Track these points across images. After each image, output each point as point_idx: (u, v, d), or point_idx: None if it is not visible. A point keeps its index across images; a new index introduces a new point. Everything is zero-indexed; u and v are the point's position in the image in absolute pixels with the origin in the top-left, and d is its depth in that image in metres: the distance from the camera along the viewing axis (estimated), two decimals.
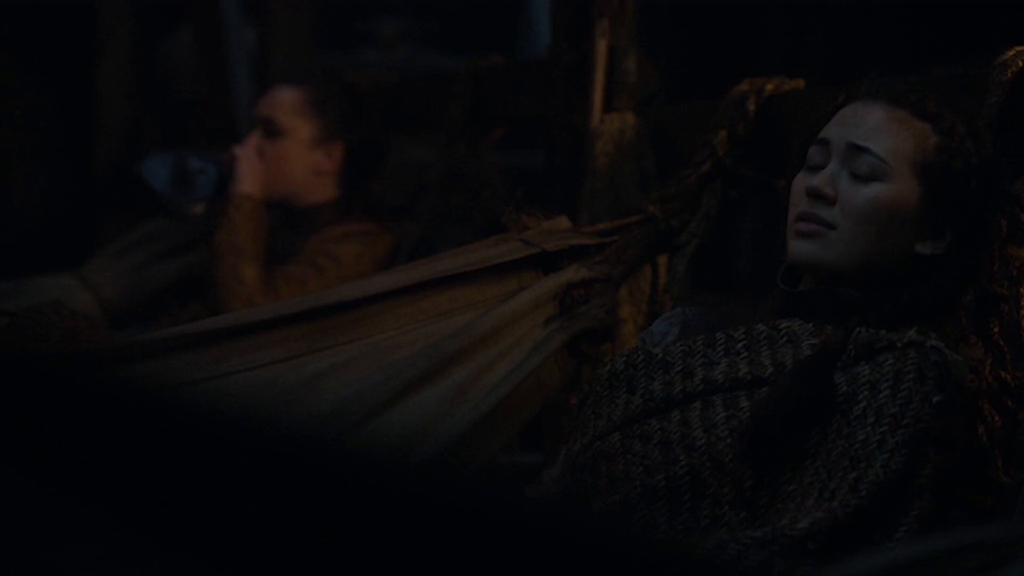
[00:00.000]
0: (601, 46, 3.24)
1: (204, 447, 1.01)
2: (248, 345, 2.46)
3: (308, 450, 0.99)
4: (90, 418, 1.06)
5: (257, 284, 3.41)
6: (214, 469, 1.00)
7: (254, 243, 3.44)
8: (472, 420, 2.51)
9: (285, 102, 3.57)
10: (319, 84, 3.61)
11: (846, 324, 2.15)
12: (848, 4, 3.79)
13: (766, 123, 2.84)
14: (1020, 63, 2.42)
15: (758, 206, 3.10)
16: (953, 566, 1.20)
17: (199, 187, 4.00)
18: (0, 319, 2.83)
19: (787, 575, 1.92)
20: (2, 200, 5.01)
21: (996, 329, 2.35)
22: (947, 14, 3.49)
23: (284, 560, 0.95)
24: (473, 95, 3.65)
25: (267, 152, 3.55)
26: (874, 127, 2.23)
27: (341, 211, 3.56)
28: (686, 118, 3.11)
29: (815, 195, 2.21)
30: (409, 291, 2.61)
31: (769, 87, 2.86)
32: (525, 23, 5.94)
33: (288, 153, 3.54)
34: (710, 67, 3.73)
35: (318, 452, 0.99)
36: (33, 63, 5.07)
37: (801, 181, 2.26)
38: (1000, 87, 2.40)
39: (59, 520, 1.01)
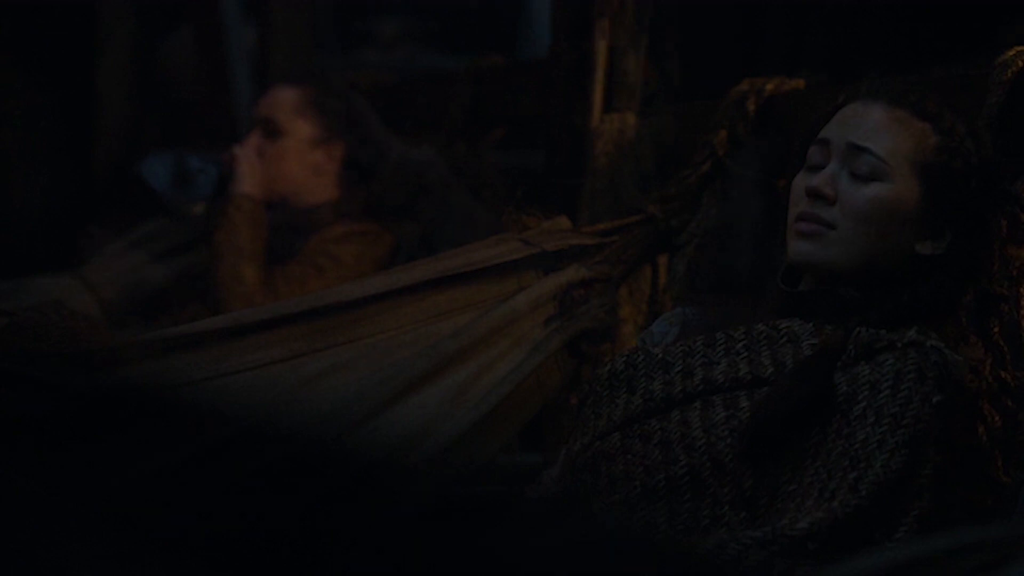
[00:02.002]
0: (601, 46, 3.24)
1: (204, 447, 1.01)
2: (248, 345, 2.46)
3: (307, 450, 0.99)
4: (90, 418, 1.05)
5: (257, 284, 3.41)
6: (213, 469, 1.00)
7: (254, 243, 3.44)
8: (472, 420, 2.51)
9: (285, 102, 3.57)
10: (319, 84, 3.61)
11: (846, 324, 2.14)
12: (848, 4, 3.79)
13: (766, 123, 2.84)
14: (1020, 63, 2.41)
15: (758, 206, 3.10)
16: (953, 566, 1.20)
17: (199, 187, 4.00)
18: (0, 319, 2.83)
19: (787, 575, 1.92)
20: (2, 200, 5.00)
21: (996, 329, 2.34)
22: (947, 14, 3.49)
23: (284, 559, 0.95)
24: (473, 95, 3.66)
25: (267, 152, 3.54)
26: (874, 127, 2.23)
27: (341, 211, 3.56)
28: (686, 118, 3.11)
29: (815, 195, 2.21)
30: (409, 291, 2.61)
31: (769, 87, 2.86)
32: (525, 23, 5.94)
33: (288, 153, 3.53)
34: (710, 67, 3.73)
35: (317, 452, 0.99)
36: (33, 63, 5.07)
37: (801, 181, 2.26)
38: (1000, 87, 2.40)
39: (59, 520, 1.00)
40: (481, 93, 3.66)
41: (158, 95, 5.23)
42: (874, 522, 2.01)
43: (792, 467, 2.05)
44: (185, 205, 4.03)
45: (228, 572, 0.95)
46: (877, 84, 2.28)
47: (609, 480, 2.13)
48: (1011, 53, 2.42)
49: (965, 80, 2.49)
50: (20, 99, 5.08)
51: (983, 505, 2.26)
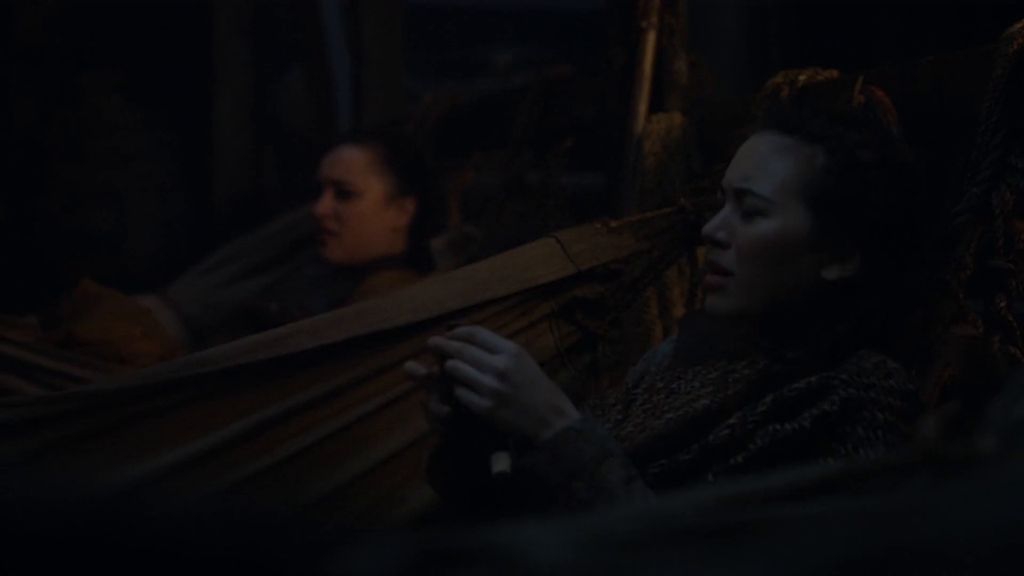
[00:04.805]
0: (649, 49, 3.24)
1: None
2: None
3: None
4: None
5: None
6: None
7: None
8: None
9: (356, 162, 3.52)
10: (386, 140, 3.57)
11: (758, 366, 2.06)
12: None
13: None
14: None
15: None
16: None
17: None
18: None
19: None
20: (125, 234, 5.19)
21: (1004, 305, 2.30)
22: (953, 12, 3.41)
23: None
24: (542, 106, 3.65)
25: (343, 214, 3.52)
26: (758, 162, 2.14)
27: (401, 263, 3.52)
28: (734, 112, 3.08)
29: (711, 241, 2.14)
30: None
31: (802, 78, 2.84)
32: None
33: (365, 213, 3.50)
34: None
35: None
36: (153, 103, 5.26)
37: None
38: (1006, 60, 2.34)
39: None
40: (549, 104, 3.65)
41: (274, 130, 5.38)
42: None
43: None
44: None
45: None
46: (771, 112, 2.23)
47: None
48: (1018, 25, 2.37)
49: (970, 59, 2.45)
50: (142, 137, 5.27)
51: None
